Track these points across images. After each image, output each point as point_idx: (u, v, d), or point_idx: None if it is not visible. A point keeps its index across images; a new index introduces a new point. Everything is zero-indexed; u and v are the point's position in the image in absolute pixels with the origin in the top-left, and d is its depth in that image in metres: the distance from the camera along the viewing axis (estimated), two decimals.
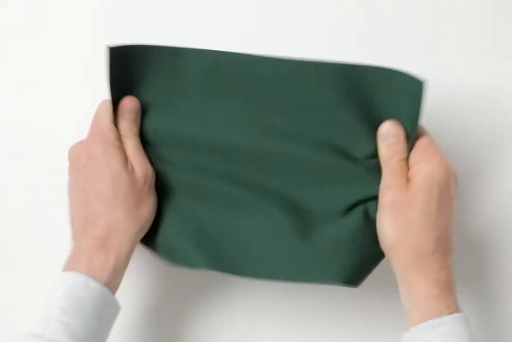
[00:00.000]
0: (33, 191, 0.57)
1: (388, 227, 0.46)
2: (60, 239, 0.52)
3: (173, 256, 0.48)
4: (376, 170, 0.48)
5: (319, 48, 0.58)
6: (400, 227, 0.45)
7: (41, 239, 0.56)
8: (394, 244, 0.45)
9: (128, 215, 0.45)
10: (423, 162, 0.46)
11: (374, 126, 0.48)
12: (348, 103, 0.49)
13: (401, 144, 0.47)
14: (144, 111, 0.49)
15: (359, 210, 0.48)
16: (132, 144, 0.48)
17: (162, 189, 0.49)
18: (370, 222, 0.48)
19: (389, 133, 0.47)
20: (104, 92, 0.56)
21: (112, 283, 0.44)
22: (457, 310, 0.44)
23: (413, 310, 0.45)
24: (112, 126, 0.47)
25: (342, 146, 0.49)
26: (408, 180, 0.46)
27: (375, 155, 0.48)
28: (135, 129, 0.48)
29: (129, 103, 0.48)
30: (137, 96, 0.49)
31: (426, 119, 0.50)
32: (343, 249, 0.47)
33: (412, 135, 0.47)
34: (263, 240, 0.48)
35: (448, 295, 0.44)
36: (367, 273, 0.48)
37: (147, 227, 0.47)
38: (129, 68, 0.49)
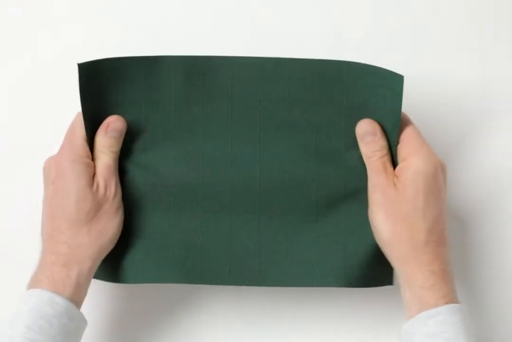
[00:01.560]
0: (33, 191, 0.57)
1: (381, 224, 0.47)
2: None
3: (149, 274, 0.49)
4: (359, 165, 0.49)
5: (314, 48, 0.58)
6: (392, 223, 0.46)
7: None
8: (388, 239, 0.47)
9: (90, 233, 0.46)
10: (411, 157, 0.47)
11: (354, 121, 0.49)
12: (328, 100, 0.49)
13: (379, 141, 0.48)
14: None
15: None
16: (105, 162, 0.47)
17: (132, 207, 0.50)
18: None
19: (365, 132, 0.48)
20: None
21: (76, 298, 0.45)
22: (452, 300, 0.45)
23: (411, 301, 0.45)
24: (83, 143, 0.47)
25: (326, 147, 0.50)
26: (396, 175, 0.47)
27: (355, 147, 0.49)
28: (115, 148, 0.48)
29: (116, 123, 0.48)
30: (111, 110, 0.49)
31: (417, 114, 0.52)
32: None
33: (396, 128, 0.48)
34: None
35: (444, 285, 0.45)
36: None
37: (110, 245, 0.47)
38: (101, 83, 0.48)
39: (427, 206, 0.46)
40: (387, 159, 0.48)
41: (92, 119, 0.48)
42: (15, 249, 0.57)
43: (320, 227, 0.49)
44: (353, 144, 0.49)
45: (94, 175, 0.47)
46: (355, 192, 0.49)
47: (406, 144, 0.48)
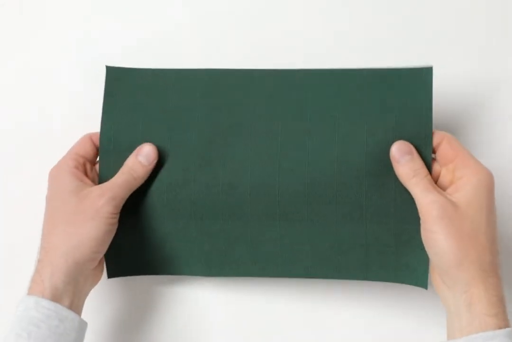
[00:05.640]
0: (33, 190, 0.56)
1: (446, 244, 0.43)
2: None
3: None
4: (379, 171, 0.48)
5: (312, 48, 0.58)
6: (458, 243, 0.43)
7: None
8: (456, 260, 0.43)
9: (63, 233, 0.46)
10: (467, 172, 0.45)
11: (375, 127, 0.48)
12: (349, 108, 0.49)
13: (418, 160, 0.46)
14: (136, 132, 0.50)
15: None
16: (118, 181, 0.48)
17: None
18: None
19: (401, 152, 0.47)
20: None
21: (63, 300, 0.45)
22: (509, 325, 0.42)
23: (467, 324, 0.42)
24: (74, 156, 0.49)
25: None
26: (448, 192, 0.45)
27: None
28: (137, 173, 0.48)
29: (148, 150, 0.49)
30: (131, 116, 0.50)
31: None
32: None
33: (429, 125, 0.47)
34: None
35: (505, 312, 0.43)
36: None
37: (85, 247, 0.46)
38: (128, 89, 0.50)
39: (488, 224, 0.44)
40: (431, 178, 0.46)
41: (112, 123, 0.50)
42: (15, 251, 0.57)
43: (341, 231, 0.49)
44: (373, 151, 0.48)
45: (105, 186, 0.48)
46: (376, 198, 0.48)
47: (455, 158, 0.46)
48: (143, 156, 0.48)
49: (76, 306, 0.46)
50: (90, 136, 0.50)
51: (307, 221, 0.49)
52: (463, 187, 0.44)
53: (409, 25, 0.58)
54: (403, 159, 0.46)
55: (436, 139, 0.47)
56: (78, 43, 0.58)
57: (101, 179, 0.50)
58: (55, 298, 0.44)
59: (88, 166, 0.50)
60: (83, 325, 0.46)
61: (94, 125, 0.51)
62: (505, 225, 0.56)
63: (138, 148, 0.49)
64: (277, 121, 0.49)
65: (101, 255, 0.48)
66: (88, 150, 0.50)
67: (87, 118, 0.55)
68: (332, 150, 0.48)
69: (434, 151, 0.48)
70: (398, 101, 0.48)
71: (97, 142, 0.50)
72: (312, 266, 0.50)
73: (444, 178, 0.47)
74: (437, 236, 0.43)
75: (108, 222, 0.47)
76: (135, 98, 0.50)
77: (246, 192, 0.49)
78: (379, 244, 0.49)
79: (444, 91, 0.56)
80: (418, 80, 0.48)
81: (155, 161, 0.49)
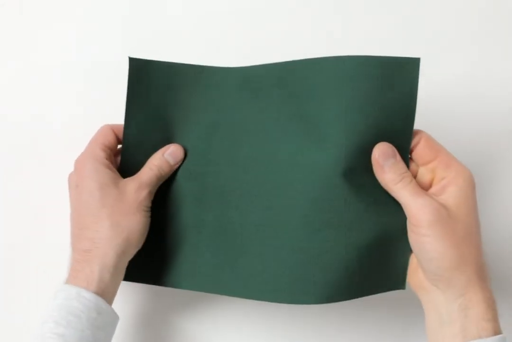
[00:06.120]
0: (33, 189, 0.57)
1: (441, 247, 0.42)
2: (59, 238, 0.52)
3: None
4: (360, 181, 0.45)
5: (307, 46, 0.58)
6: (453, 246, 0.42)
7: (41, 237, 0.57)
8: (453, 264, 0.42)
9: (113, 227, 0.45)
10: (452, 175, 0.44)
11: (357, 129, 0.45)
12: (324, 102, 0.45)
13: (402, 163, 0.45)
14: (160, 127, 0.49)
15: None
16: (149, 175, 0.48)
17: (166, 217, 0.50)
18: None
19: (386, 155, 0.44)
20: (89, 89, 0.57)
21: (103, 293, 0.44)
22: (501, 329, 0.42)
23: (462, 329, 0.42)
24: (102, 146, 0.48)
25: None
26: (438, 191, 0.44)
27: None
28: (164, 171, 0.48)
29: (176, 150, 0.49)
30: (158, 112, 0.49)
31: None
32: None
33: (411, 122, 0.44)
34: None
35: (497, 312, 0.42)
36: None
37: (134, 243, 0.46)
38: (151, 83, 0.48)
39: (477, 226, 0.44)
40: (415, 181, 0.44)
41: (136, 117, 0.48)
42: (15, 251, 0.57)
43: (319, 239, 0.45)
44: (355, 154, 0.44)
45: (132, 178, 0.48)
46: (356, 202, 0.45)
47: (435, 158, 0.45)
48: (169, 155, 0.49)
49: (111, 299, 0.46)
50: (111, 127, 0.49)
51: (288, 232, 0.46)
52: (449, 188, 0.44)
53: (409, 25, 0.58)
54: (387, 162, 0.44)
55: (414, 139, 0.45)
56: (78, 43, 0.58)
57: (122, 173, 0.49)
58: (99, 290, 0.44)
59: (113, 158, 0.50)
60: (116, 319, 0.46)
61: (94, 125, 0.51)
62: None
63: (165, 147, 0.49)
64: (254, 124, 0.47)
65: (139, 248, 0.48)
66: (112, 141, 0.49)
67: (87, 118, 0.55)
68: (308, 154, 0.46)
69: (411, 151, 0.46)
70: (379, 96, 0.44)
71: (118, 133, 0.49)
72: (292, 289, 0.45)
73: (423, 177, 0.45)
74: (431, 239, 0.42)
75: (147, 215, 0.47)
76: (157, 92, 0.49)
77: (232, 204, 0.48)
78: (359, 252, 0.45)
79: (443, 91, 0.56)
80: (403, 72, 0.43)
81: (180, 162, 0.49)
